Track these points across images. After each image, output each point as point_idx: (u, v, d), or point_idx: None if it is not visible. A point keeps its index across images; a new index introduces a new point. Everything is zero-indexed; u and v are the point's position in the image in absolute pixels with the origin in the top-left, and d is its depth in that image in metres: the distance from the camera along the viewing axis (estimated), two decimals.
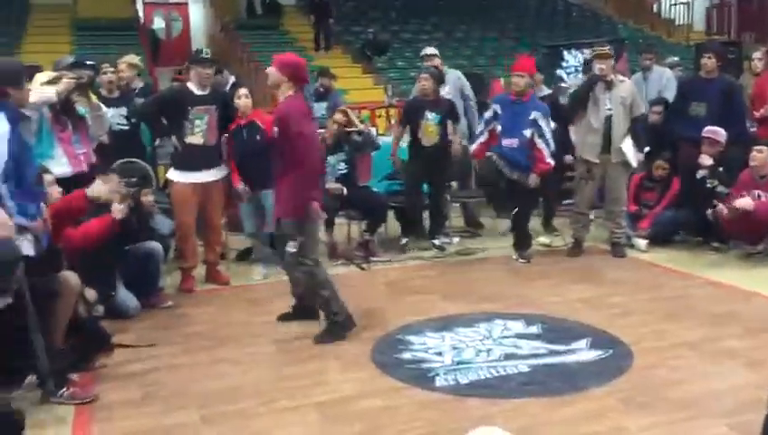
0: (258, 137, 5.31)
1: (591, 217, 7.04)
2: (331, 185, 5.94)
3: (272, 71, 4.12)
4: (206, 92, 5.18)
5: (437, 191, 6.32)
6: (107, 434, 3.19)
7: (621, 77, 5.99)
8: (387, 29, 16.54)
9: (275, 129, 4.12)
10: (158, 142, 6.29)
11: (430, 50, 7.14)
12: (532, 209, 6.20)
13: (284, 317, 4.57)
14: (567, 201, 6.99)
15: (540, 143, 5.61)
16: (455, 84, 6.95)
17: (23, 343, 3.27)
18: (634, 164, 5.90)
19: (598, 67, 5.76)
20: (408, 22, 17.35)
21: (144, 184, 4.93)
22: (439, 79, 6.33)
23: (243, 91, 5.50)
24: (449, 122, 6.23)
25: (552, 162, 5.72)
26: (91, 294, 4.14)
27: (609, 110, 5.71)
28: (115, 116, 5.72)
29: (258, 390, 3.57)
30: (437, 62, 6.96)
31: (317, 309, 4.36)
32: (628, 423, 3.12)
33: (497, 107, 5.87)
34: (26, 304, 3.20)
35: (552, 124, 5.82)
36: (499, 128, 5.78)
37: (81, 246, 4.17)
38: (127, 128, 5.95)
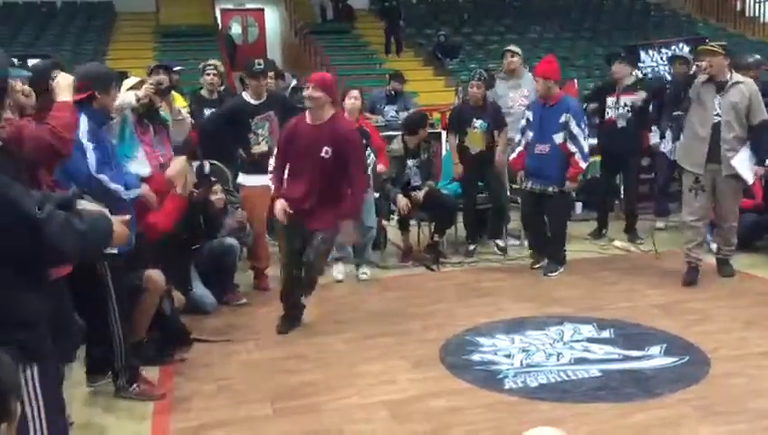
0: (364, 141, 5.48)
1: (662, 225, 6.88)
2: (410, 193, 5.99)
3: (319, 93, 4.19)
4: (262, 100, 5.27)
5: (496, 193, 6.24)
6: (184, 424, 3.32)
7: (740, 77, 5.09)
8: (458, 31, 16.51)
9: (329, 148, 4.19)
10: None
11: (513, 47, 6.96)
12: (565, 222, 5.85)
13: (288, 327, 4.53)
14: (643, 204, 6.84)
15: (572, 147, 5.41)
16: (532, 86, 6.85)
17: (104, 337, 3.43)
18: (750, 181, 5.16)
19: (695, 66, 5.12)
20: (479, 23, 17.25)
21: (212, 183, 5.07)
22: (488, 84, 6.29)
23: (355, 93, 5.72)
24: (495, 131, 6.14)
25: (585, 165, 5.51)
26: (178, 296, 4.31)
27: (718, 116, 4.97)
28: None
29: (329, 386, 3.65)
30: (517, 61, 6.81)
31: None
32: (702, 432, 3.04)
33: (529, 114, 5.71)
34: (109, 296, 3.36)
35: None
36: (530, 135, 5.64)
37: (163, 228, 4.28)
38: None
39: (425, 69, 15.09)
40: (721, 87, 4.97)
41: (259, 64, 5.36)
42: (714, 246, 5.86)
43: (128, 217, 2.45)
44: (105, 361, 3.57)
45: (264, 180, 5.28)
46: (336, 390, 3.60)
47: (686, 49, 8.38)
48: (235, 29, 19.36)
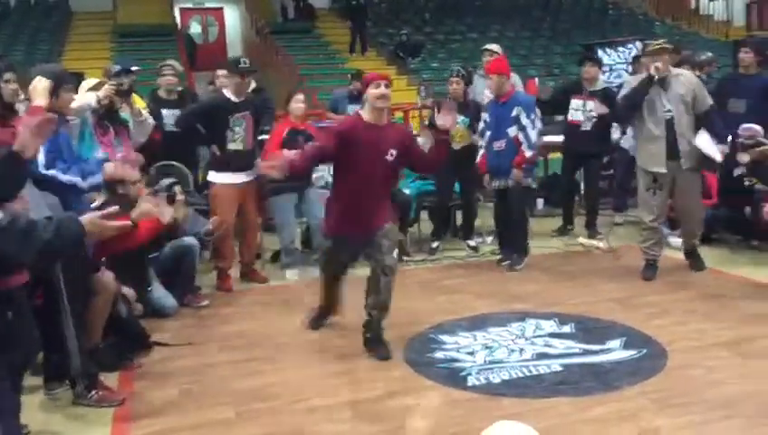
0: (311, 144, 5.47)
1: (620, 220, 7.00)
2: None
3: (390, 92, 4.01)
4: (242, 99, 5.31)
5: (468, 192, 6.32)
6: (145, 429, 3.26)
7: (678, 70, 5.22)
8: (420, 30, 16.57)
9: (394, 150, 4.01)
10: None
11: (493, 46, 6.95)
12: (526, 213, 5.91)
13: (319, 324, 4.51)
14: (602, 200, 6.95)
15: (520, 136, 5.48)
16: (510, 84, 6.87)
17: (57, 343, 3.36)
18: (718, 158, 5.13)
19: (653, 66, 5.01)
20: (441, 23, 17.34)
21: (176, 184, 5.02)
22: (467, 80, 6.33)
23: (300, 96, 5.69)
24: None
25: (530, 154, 5.55)
26: (129, 292, 4.25)
27: (668, 112, 5.05)
28: (170, 117, 5.86)
29: (291, 388, 3.63)
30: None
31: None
32: (660, 423, 3.10)
33: (486, 115, 5.79)
34: (61, 302, 3.29)
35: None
36: (488, 134, 5.70)
37: (129, 246, 4.23)
38: (178, 130, 6.09)
39: (387, 68, 15.07)
40: (664, 83, 5.05)
41: (245, 62, 5.36)
42: (672, 241, 5.99)
43: (112, 209, 2.41)
44: (62, 368, 3.50)
45: (235, 178, 5.28)
46: (299, 391, 3.58)
47: (642, 48, 8.55)
48: (195, 28, 19.17)
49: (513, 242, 5.81)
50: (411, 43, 15.07)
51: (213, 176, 5.39)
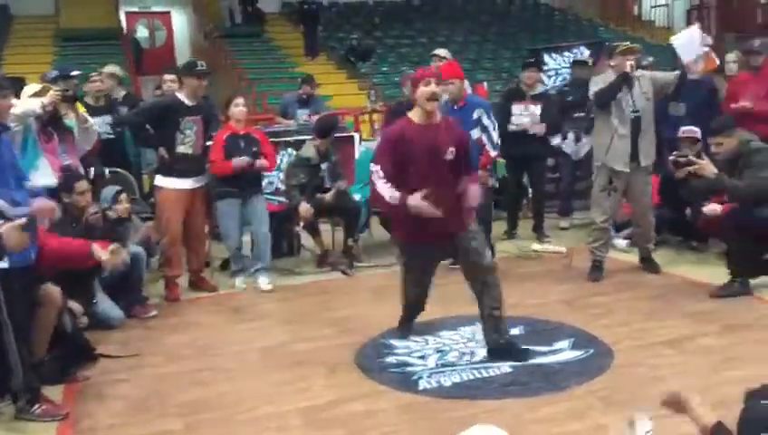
0: (254, 148, 5.45)
1: (566, 225, 7.12)
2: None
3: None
4: (195, 103, 5.23)
5: None
6: None
7: (640, 71, 5.38)
8: (370, 35, 16.61)
9: (453, 148, 3.81)
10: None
11: (442, 51, 6.95)
12: (491, 213, 5.97)
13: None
14: (548, 203, 7.07)
15: (484, 138, 5.52)
16: None
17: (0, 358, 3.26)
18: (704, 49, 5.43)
19: (629, 63, 5.12)
20: (391, 27, 17.43)
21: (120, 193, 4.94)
22: None
23: (239, 100, 5.58)
24: None
25: (494, 154, 5.62)
26: (76, 306, 4.14)
27: (635, 112, 5.18)
28: (101, 124, 5.77)
29: (241, 397, 3.58)
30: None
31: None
32: (607, 421, 3.16)
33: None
34: (1, 316, 3.20)
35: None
36: None
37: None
38: (112, 136, 6.00)
39: (337, 72, 15.12)
40: (631, 82, 5.17)
41: (202, 65, 5.28)
42: (617, 242, 6.13)
43: (23, 220, 2.34)
44: (4, 382, 3.39)
45: (182, 184, 5.19)
46: (249, 400, 3.54)
47: (587, 53, 8.74)
48: (142, 32, 18.82)
49: None
50: (361, 47, 15.10)
51: (159, 180, 5.28)
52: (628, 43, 5.61)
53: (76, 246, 4.10)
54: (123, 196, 4.93)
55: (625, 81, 5.15)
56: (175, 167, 5.18)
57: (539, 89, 6.69)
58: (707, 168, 4.84)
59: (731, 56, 6.88)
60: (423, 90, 3.75)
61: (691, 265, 5.65)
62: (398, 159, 3.76)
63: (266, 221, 5.61)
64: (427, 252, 4.04)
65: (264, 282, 5.52)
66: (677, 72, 5.36)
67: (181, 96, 5.22)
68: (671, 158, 5.13)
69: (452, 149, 3.80)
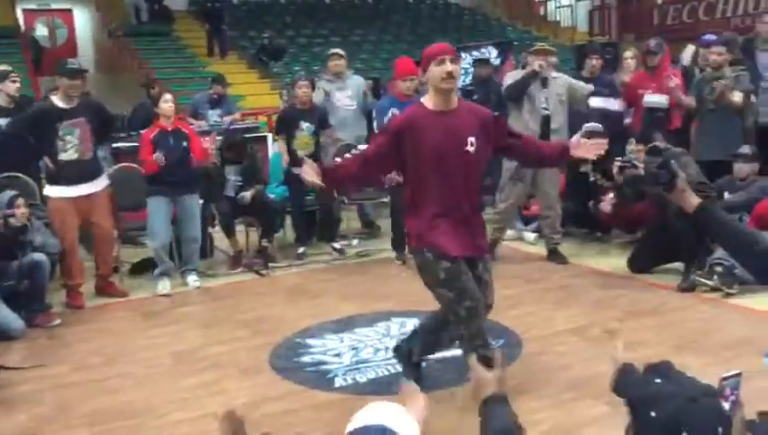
0: (184, 144, 5.37)
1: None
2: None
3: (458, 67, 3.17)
4: (73, 105, 4.97)
5: (322, 198, 6.24)
6: None
7: (556, 73, 5.72)
8: (282, 34, 16.46)
9: (474, 138, 3.11)
10: None
11: (338, 50, 7.04)
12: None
13: None
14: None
15: None
16: (357, 90, 6.99)
17: None
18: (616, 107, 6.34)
19: (537, 63, 5.46)
20: (303, 26, 17.32)
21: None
22: (312, 85, 6.41)
23: (168, 96, 5.45)
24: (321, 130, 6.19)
25: None
26: None
27: (545, 109, 5.50)
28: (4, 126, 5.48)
29: (152, 404, 3.50)
30: (343, 63, 6.96)
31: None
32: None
33: (394, 110, 5.66)
34: None
35: None
36: None
37: None
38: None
39: (249, 72, 14.89)
40: (545, 81, 5.52)
41: (72, 63, 5.05)
42: (526, 235, 6.33)
43: None
44: None
45: (71, 191, 4.98)
46: (161, 406, 3.47)
47: (495, 52, 8.96)
48: (41, 31, 18.00)
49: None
50: (273, 46, 14.91)
51: (48, 190, 5.07)
52: (543, 44, 5.96)
53: None
54: (21, 200, 4.71)
55: (534, 77, 5.47)
56: (61, 175, 4.94)
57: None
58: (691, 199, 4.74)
59: (628, 53, 7.23)
60: (435, 69, 3.04)
61: (595, 255, 5.90)
62: (407, 153, 3.08)
63: (197, 222, 5.53)
64: (462, 262, 3.19)
65: (192, 280, 5.53)
66: (589, 91, 5.79)
67: (55, 99, 4.99)
68: (616, 162, 5.31)
69: (471, 139, 3.08)
